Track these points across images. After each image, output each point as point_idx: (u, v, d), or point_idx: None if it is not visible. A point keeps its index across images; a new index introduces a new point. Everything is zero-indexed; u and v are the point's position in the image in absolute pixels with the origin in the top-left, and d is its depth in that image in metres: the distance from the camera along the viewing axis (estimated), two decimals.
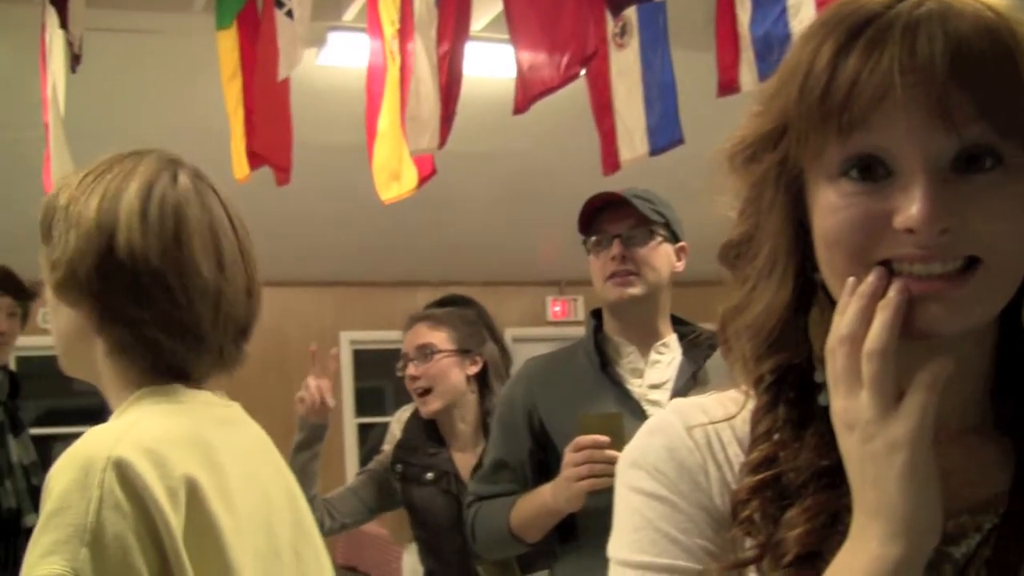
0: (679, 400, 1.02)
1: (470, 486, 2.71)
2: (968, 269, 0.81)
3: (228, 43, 4.14)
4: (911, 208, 0.79)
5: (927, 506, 0.79)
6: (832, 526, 0.85)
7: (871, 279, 0.82)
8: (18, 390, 3.78)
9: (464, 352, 3.09)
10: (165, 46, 5.52)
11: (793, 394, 0.92)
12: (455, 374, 3.05)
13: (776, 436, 0.91)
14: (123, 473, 1.23)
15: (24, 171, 4.62)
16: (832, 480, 0.86)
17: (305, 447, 3.01)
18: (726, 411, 0.97)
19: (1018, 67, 0.80)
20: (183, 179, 1.45)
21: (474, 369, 3.09)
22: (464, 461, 3.05)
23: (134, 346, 1.43)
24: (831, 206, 0.85)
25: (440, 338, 3.07)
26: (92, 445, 1.27)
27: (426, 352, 3.05)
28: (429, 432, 3.12)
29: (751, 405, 0.95)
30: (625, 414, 2.35)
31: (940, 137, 0.80)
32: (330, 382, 3.05)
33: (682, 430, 0.96)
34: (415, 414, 3.18)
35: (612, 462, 2.23)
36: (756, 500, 0.89)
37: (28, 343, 3.85)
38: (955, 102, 0.79)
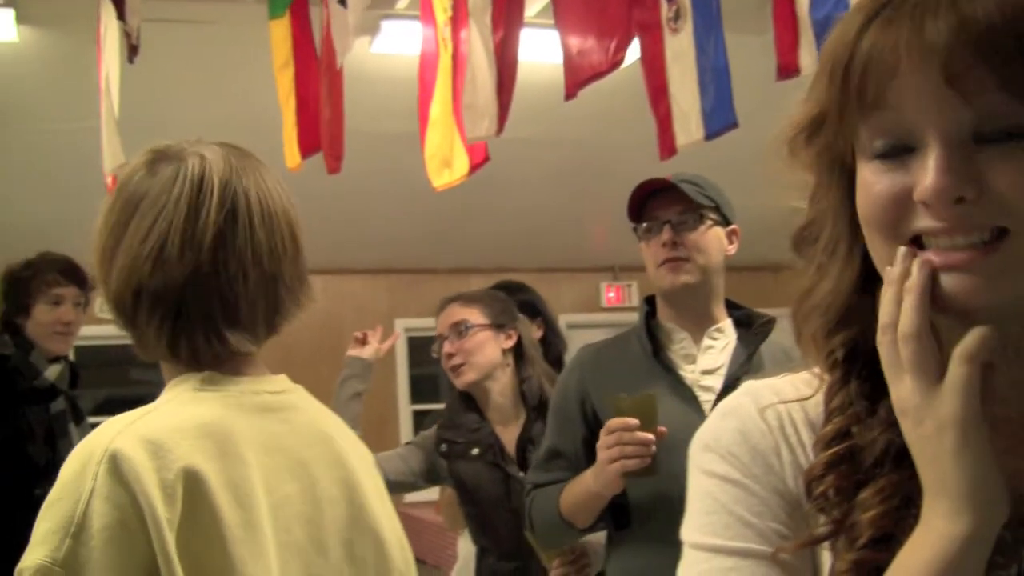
0: (752, 382, 1.02)
1: (527, 475, 2.71)
2: (996, 240, 0.80)
3: (280, 32, 4.16)
4: (925, 180, 0.80)
5: (985, 479, 0.78)
6: (906, 508, 0.85)
7: (897, 263, 0.83)
8: (77, 380, 3.82)
9: (498, 327, 3.12)
10: (218, 36, 5.56)
11: (865, 370, 0.92)
12: (490, 347, 3.09)
13: (850, 409, 0.91)
14: (116, 465, 1.24)
15: (83, 161, 4.66)
16: (905, 458, 0.86)
17: (346, 380, 3.26)
18: (799, 393, 0.97)
19: None
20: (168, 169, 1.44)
21: (509, 343, 3.13)
22: (507, 435, 3.09)
23: (134, 334, 1.44)
24: (864, 184, 0.86)
25: (474, 314, 3.12)
26: (98, 437, 1.29)
27: (460, 329, 3.10)
28: (468, 406, 3.14)
29: (824, 389, 0.95)
30: (677, 400, 2.35)
31: (955, 109, 0.80)
32: (382, 344, 3.42)
33: (755, 412, 0.96)
34: (455, 394, 3.21)
35: (643, 444, 2.23)
36: (831, 475, 0.89)
37: (85, 332, 3.89)
38: (968, 74, 0.78)
